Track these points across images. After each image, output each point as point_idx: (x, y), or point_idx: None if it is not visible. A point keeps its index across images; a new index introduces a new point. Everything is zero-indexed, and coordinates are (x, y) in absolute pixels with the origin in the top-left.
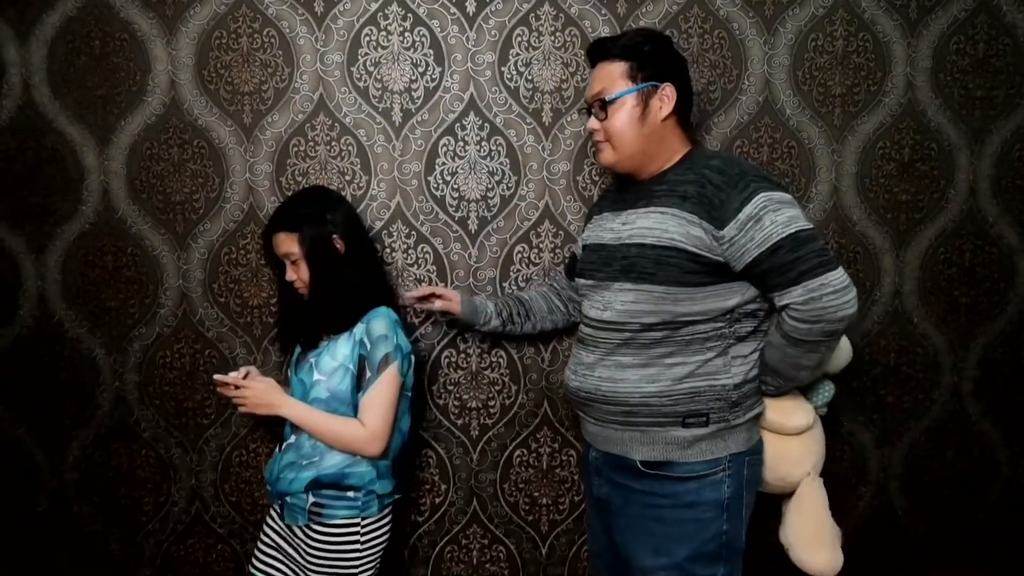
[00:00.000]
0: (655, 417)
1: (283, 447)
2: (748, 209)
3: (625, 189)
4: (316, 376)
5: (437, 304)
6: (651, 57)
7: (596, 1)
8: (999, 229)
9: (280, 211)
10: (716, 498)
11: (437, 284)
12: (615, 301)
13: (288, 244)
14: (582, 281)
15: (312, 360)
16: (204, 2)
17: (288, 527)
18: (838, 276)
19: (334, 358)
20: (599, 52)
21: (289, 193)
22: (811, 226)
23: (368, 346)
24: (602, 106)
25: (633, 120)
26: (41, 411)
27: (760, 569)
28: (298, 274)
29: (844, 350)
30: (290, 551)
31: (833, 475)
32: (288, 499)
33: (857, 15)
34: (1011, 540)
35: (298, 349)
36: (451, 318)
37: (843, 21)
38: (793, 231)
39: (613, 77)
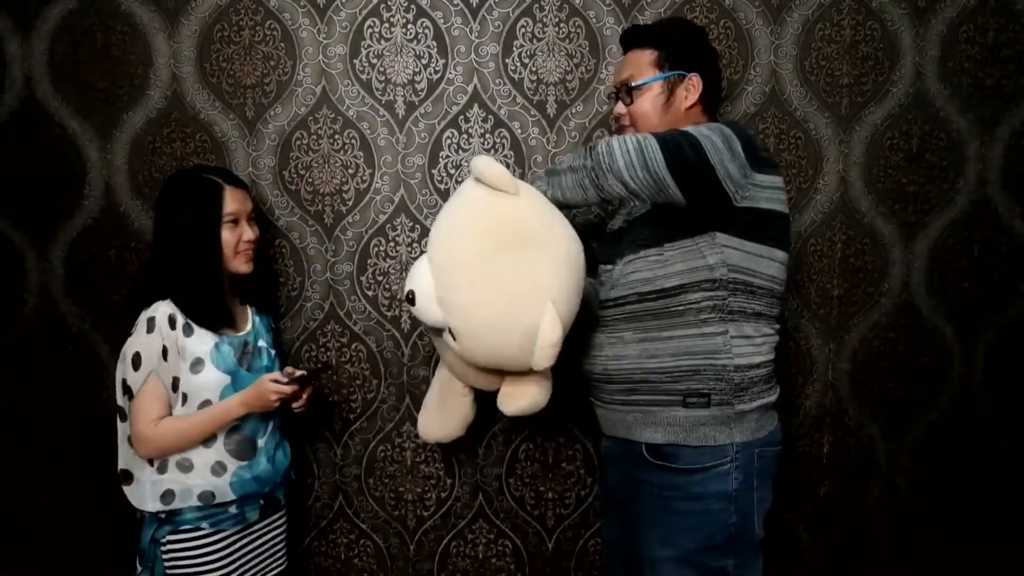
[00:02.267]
0: (656, 395)
1: (260, 444)
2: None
3: None
4: (273, 353)
5: None
6: (680, 47)
7: None
8: (1009, 220)
9: (229, 172)
10: (723, 490)
11: None
12: (620, 276)
13: (249, 201)
14: (602, 267)
15: (260, 343)
16: None
17: (266, 518)
18: (655, 147)
19: (268, 331)
20: (631, 39)
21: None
22: (706, 139)
23: (262, 314)
24: (628, 91)
25: (658, 107)
26: (46, 407)
27: (782, 561)
28: (255, 234)
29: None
30: (265, 547)
31: (840, 469)
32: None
33: (865, 4)
34: (1020, 533)
35: (215, 341)
36: None
37: (850, 10)
38: (692, 131)
39: (642, 64)
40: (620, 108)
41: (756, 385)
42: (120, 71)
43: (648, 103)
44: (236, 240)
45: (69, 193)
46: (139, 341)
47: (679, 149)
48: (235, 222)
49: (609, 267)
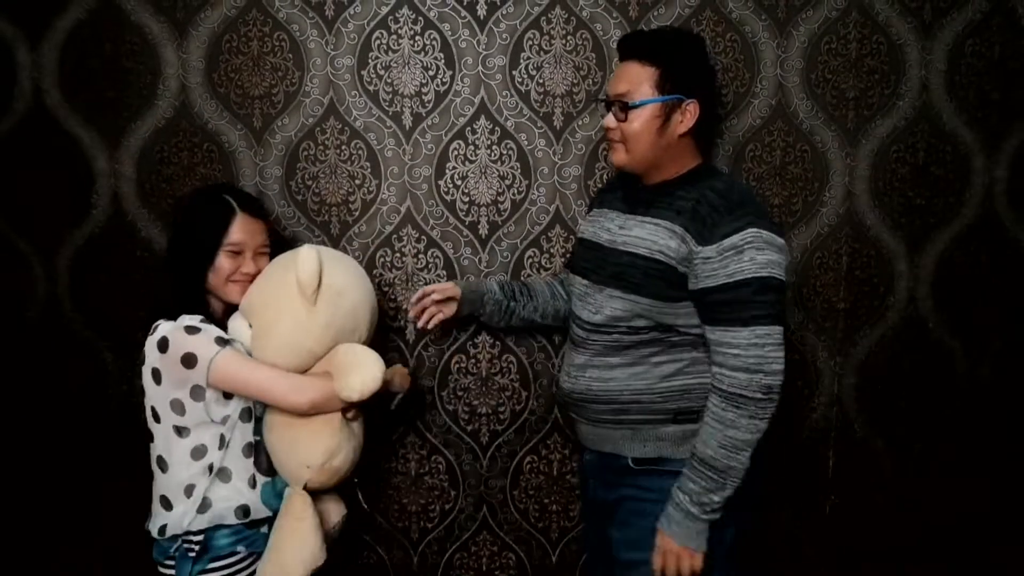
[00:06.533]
0: (646, 414)
1: None
2: (735, 239)
3: (630, 190)
4: None
5: (442, 312)
6: (682, 67)
7: (607, 4)
8: (1015, 234)
9: (253, 198)
10: None
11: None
12: (605, 306)
13: (262, 234)
14: (576, 278)
15: None
16: (215, 6)
17: None
18: (780, 332)
19: None
20: (631, 49)
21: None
22: (785, 278)
23: None
24: (623, 107)
25: (652, 130)
26: (50, 415)
27: (761, 566)
28: (256, 268)
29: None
30: None
31: (846, 483)
32: None
33: (871, 17)
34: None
35: None
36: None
37: (857, 24)
38: (766, 275)
39: (640, 80)
40: (610, 121)
41: None
42: (129, 81)
43: (642, 124)
44: (233, 270)
45: (76, 202)
46: (187, 343)
47: (781, 308)
48: (239, 253)
49: (585, 283)
